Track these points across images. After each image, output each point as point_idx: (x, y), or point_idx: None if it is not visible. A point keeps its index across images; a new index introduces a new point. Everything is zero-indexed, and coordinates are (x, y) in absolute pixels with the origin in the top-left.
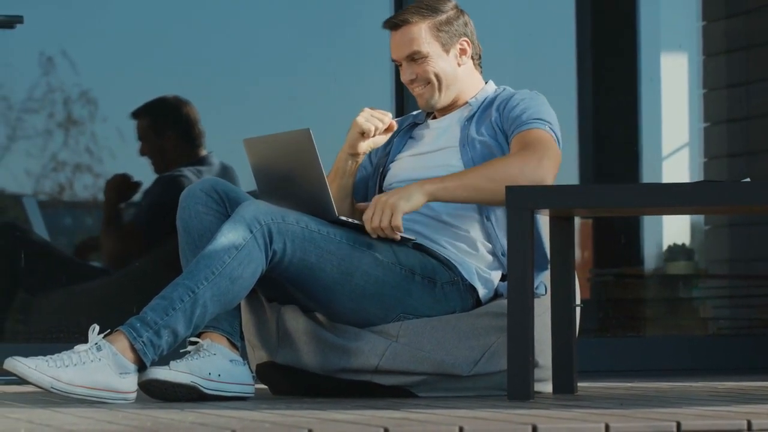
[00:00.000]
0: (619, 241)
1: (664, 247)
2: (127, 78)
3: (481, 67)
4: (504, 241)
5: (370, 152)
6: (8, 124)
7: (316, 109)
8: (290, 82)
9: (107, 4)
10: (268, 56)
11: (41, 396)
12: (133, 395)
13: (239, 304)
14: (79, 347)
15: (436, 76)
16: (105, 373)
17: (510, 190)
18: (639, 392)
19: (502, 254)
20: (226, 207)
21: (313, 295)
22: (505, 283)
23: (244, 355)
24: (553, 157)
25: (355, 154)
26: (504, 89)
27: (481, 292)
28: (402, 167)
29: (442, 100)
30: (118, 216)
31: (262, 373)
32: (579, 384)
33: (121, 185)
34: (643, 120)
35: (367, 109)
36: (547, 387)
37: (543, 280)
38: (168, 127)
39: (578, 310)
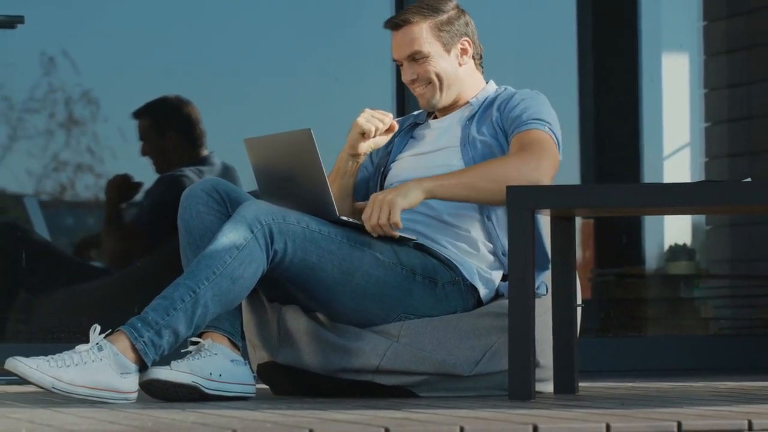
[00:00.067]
0: (620, 241)
1: (666, 247)
2: (128, 78)
3: (482, 67)
4: (505, 241)
5: (371, 152)
6: (9, 124)
7: (317, 109)
8: (291, 82)
9: (108, 4)
10: (269, 56)
11: (42, 396)
12: (135, 395)
13: (240, 304)
14: (81, 347)
15: (438, 76)
16: (106, 373)
17: (510, 190)
18: (640, 392)
19: (503, 254)
20: (227, 207)
21: (314, 295)
22: (506, 283)
23: (245, 355)
24: (551, 158)
25: (355, 155)
26: (505, 89)
27: (482, 292)
28: (403, 167)
29: (444, 99)
30: (120, 216)
31: (263, 373)
32: (580, 384)
33: (123, 185)
34: (644, 120)
35: (367, 110)
36: (548, 387)
37: (544, 280)
38: (169, 127)
39: (579, 310)
